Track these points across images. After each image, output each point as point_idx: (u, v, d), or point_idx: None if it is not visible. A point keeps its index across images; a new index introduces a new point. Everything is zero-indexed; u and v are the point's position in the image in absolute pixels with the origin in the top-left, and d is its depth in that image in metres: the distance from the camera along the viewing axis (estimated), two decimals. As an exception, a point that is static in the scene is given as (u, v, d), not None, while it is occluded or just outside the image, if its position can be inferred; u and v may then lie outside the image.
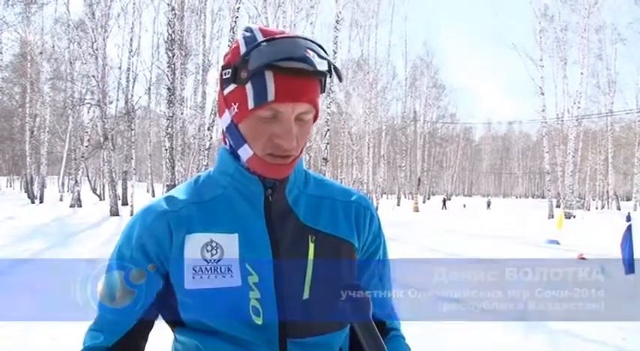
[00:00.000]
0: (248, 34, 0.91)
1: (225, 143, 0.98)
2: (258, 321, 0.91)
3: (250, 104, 0.88)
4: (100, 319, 0.95)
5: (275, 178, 0.94)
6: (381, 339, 0.79)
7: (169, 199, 0.97)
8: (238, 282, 0.91)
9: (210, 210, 0.95)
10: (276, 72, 0.85)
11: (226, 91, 0.92)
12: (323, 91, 0.93)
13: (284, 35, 0.89)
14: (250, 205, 0.95)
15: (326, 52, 0.91)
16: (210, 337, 0.92)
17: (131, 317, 0.94)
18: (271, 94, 0.86)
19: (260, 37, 0.89)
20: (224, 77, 0.92)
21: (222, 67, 0.93)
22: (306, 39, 0.89)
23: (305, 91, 0.87)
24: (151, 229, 0.93)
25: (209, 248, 0.92)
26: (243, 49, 0.89)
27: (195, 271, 0.91)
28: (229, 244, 0.92)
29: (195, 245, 0.92)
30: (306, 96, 0.88)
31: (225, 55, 0.94)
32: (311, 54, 0.86)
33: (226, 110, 0.93)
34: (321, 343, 0.96)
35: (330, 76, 0.93)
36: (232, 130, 0.93)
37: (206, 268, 0.91)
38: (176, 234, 0.93)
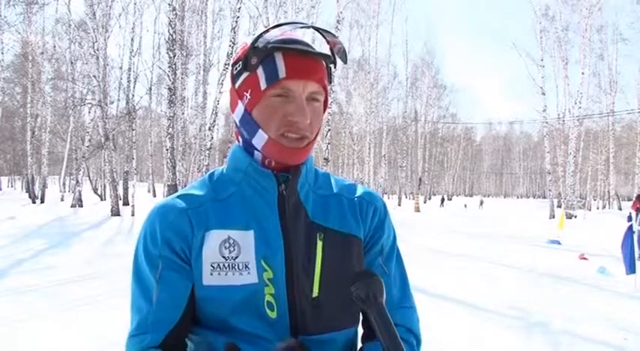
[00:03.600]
0: (258, 33, 0.95)
1: (239, 141, 1.00)
2: (273, 315, 0.92)
3: (262, 85, 0.91)
4: (141, 322, 0.93)
5: (291, 165, 0.95)
6: (393, 323, 0.78)
7: (186, 197, 0.98)
8: (255, 278, 0.92)
9: (226, 207, 0.96)
10: (285, 52, 0.90)
11: (238, 83, 0.95)
12: (330, 81, 0.97)
13: (289, 21, 0.94)
14: (264, 201, 0.96)
15: (334, 35, 0.96)
16: (222, 336, 0.92)
17: (174, 313, 0.93)
18: (282, 72, 0.89)
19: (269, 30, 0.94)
20: (235, 72, 0.96)
21: (232, 63, 0.96)
22: (310, 26, 0.95)
23: (314, 70, 0.91)
24: (175, 225, 0.94)
25: (227, 245, 0.93)
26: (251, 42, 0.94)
27: (214, 267, 0.92)
28: (246, 240, 0.93)
29: (213, 242, 0.93)
30: (316, 74, 0.92)
31: (229, 55, 0.97)
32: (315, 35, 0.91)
33: (239, 102, 0.96)
34: (332, 339, 0.96)
35: (335, 65, 0.97)
36: (246, 119, 0.95)
37: (224, 265, 0.92)
38: (197, 231, 0.94)
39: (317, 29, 0.96)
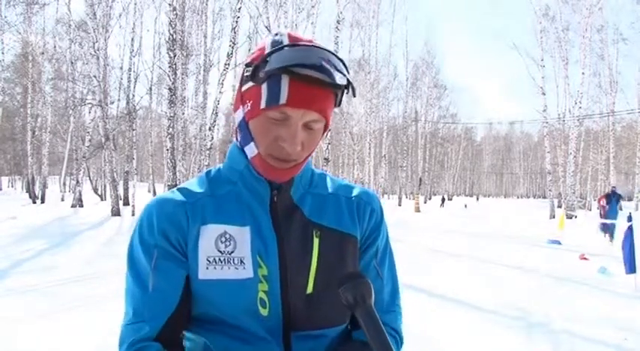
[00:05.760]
0: (277, 37, 0.93)
1: (237, 139, 1.01)
2: (264, 312, 0.93)
3: (262, 104, 0.89)
4: (137, 310, 0.93)
5: (275, 181, 0.96)
6: (382, 326, 0.79)
7: (184, 191, 0.99)
8: (250, 274, 0.93)
9: (222, 203, 0.97)
10: (292, 78, 0.87)
11: (244, 87, 0.94)
12: (338, 105, 0.94)
13: (308, 43, 0.90)
14: (258, 202, 0.98)
15: (347, 68, 0.92)
16: (218, 334, 0.93)
17: (170, 302, 0.93)
18: (284, 98, 0.87)
19: (286, 42, 0.91)
20: (245, 74, 0.94)
21: (245, 64, 0.95)
22: (328, 51, 0.90)
23: (317, 100, 0.88)
24: (171, 217, 0.95)
25: (223, 239, 0.94)
26: (267, 51, 0.91)
27: (209, 261, 0.93)
28: (242, 236, 0.94)
29: (209, 236, 0.94)
30: (317, 105, 0.89)
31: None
32: (329, 66, 0.87)
33: (241, 106, 0.95)
34: (324, 335, 0.97)
35: (347, 92, 0.94)
36: (243, 126, 0.95)
37: (220, 259, 0.93)
38: (193, 224, 0.94)
39: (331, 56, 0.90)
